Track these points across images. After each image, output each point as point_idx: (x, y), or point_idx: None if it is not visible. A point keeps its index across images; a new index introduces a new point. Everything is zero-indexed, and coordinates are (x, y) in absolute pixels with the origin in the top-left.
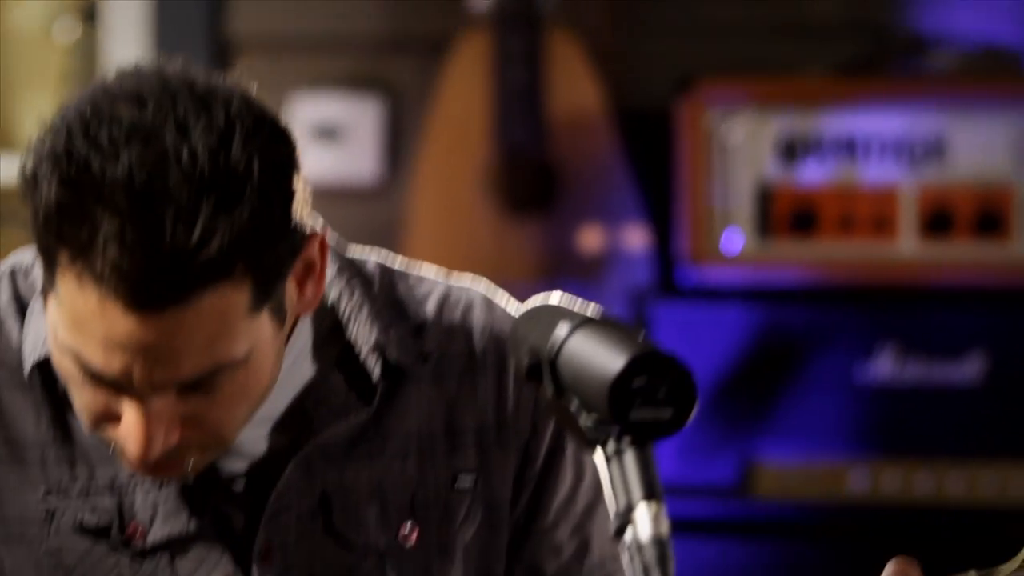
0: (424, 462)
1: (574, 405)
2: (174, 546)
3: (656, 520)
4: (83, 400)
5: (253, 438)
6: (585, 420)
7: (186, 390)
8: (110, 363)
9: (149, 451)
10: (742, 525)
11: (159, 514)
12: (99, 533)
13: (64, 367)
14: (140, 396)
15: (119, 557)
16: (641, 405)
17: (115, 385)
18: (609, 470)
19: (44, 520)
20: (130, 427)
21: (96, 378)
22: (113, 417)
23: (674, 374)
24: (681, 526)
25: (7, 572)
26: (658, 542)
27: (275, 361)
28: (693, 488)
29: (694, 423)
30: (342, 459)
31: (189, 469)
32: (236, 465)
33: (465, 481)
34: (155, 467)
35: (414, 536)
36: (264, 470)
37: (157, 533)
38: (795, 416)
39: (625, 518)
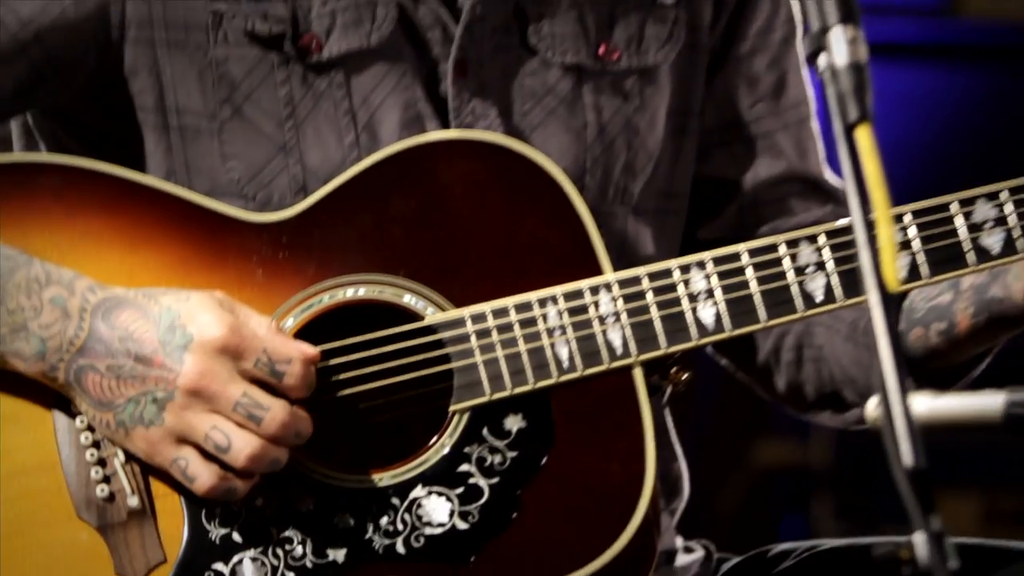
0: None
1: None
2: (351, 61)
3: (853, 44)
4: None
5: None
6: None
7: None
8: None
9: None
10: (947, 48)
11: (337, 25)
12: (270, 43)
13: None
14: None
15: (290, 71)
16: None
17: None
18: None
19: (211, 25)
20: None
21: None
22: None
23: None
24: (880, 50)
25: (165, 82)
26: (855, 68)
27: None
28: (894, 7)
29: None
30: None
31: None
32: None
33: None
34: None
35: (615, 55)
36: None
37: (334, 47)
38: None
39: (819, 42)
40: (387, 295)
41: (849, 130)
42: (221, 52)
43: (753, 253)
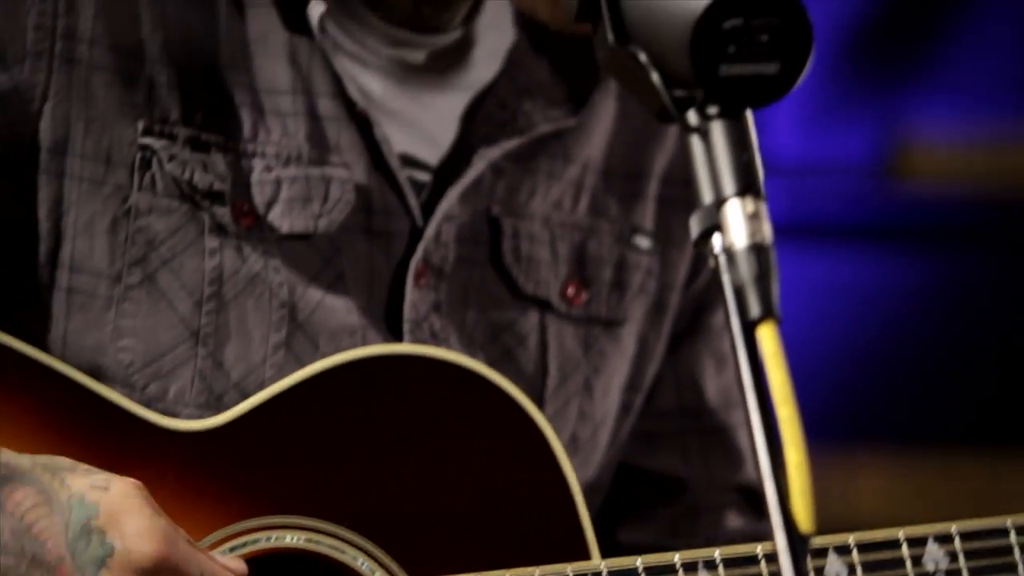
0: (597, 206)
1: (643, 58)
2: (290, 245)
3: (754, 221)
4: None
5: (446, 121)
6: (658, 80)
7: None
8: None
9: None
10: (883, 228)
11: (280, 199)
12: (209, 198)
13: None
14: None
15: (223, 241)
16: (735, 57)
17: None
18: (692, 150)
19: (138, 165)
20: None
21: None
22: None
23: (780, 11)
24: (795, 230)
25: (65, 227)
26: (757, 251)
27: None
28: (817, 168)
29: (817, 82)
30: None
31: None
32: (426, 153)
33: (643, 242)
34: None
35: (580, 299)
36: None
37: (278, 223)
38: (959, 71)
39: (712, 218)
40: (324, 548)
41: (749, 329)
42: (145, 201)
43: (770, 559)
